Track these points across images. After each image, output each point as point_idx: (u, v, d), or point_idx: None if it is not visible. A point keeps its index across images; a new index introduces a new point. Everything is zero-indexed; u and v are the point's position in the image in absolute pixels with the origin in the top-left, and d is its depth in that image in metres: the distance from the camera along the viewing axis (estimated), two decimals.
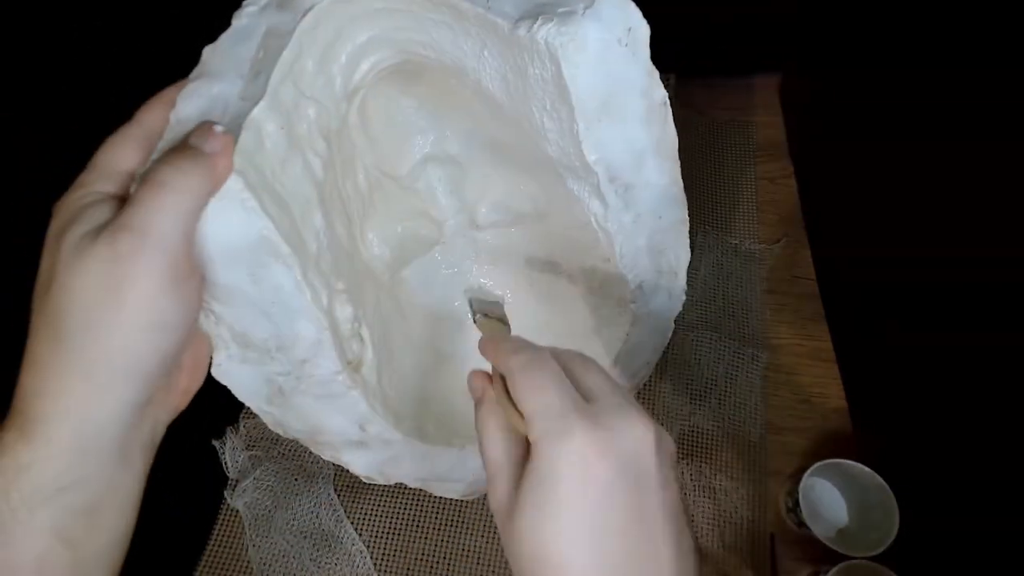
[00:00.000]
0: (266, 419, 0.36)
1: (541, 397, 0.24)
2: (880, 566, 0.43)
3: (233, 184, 0.26)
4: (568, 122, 0.33)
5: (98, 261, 0.22)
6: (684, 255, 0.40)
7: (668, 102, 0.34)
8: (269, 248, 0.29)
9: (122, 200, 0.24)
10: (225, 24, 0.32)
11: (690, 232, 0.64)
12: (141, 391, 0.24)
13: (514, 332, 0.51)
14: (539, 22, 0.30)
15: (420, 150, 0.45)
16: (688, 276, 0.61)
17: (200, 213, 0.25)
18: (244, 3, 0.33)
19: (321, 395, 0.36)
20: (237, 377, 0.33)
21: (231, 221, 0.27)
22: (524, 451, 0.25)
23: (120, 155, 0.26)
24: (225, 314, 0.30)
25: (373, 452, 0.40)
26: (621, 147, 0.34)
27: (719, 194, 0.66)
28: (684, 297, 0.42)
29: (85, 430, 0.23)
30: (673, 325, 0.44)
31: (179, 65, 0.31)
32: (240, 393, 0.34)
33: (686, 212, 0.39)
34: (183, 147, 0.25)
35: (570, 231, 0.38)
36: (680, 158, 0.66)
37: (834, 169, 0.61)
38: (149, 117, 0.28)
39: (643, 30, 0.32)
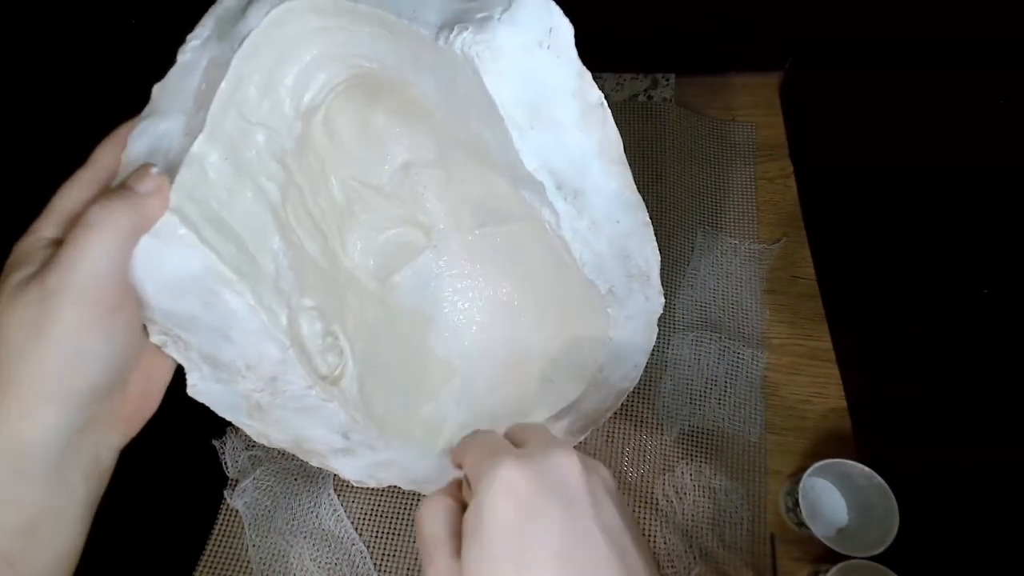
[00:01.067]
0: (249, 431, 0.37)
1: (478, 452, 0.25)
2: (880, 566, 0.43)
3: (169, 221, 0.27)
4: (503, 131, 0.31)
5: (29, 300, 0.24)
6: (653, 257, 0.39)
7: (604, 103, 0.32)
8: (216, 277, 0.30)
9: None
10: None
11: (690, 232, 0.64)
12: (70, 416, 0.26)
13: (505, 337, 0.51)
14: (455, 31, 0.29)
15: (398, 157, 0.45)
16: (688, 276, 0.62)
17: (129, 250, 0.27)
18: (187, 37, 0.33)
19: (297, 408, 0.36)
20: (213, 395, 0.34)
21: (172, 256, 0.28)
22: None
23: (70, 199, 0.28)
24: (191, 339, 0.31)
25: (360, 458, 0.40)
26: (560, 153, 0.33)
27: (719, 194, 0.66)
28: (662, 299, 0.41)
29: (15, 449, 0.24)
30: (657, 327, 0.43)
31: (140, 100, 0.31)
32: (219, 409, 0.35)
33: (646, 215, 0.37)
34: (117, 188, 0.27)
35: (547, 234, 0.37)
36: (680, 158, 0.67)
37: (834, 169, 0.61)
38: (103, 157, 0.29)
39: (565, 29, 0.30)
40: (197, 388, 0.33)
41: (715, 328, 0.58)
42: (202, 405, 0.34)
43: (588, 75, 0.31)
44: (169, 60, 0.32)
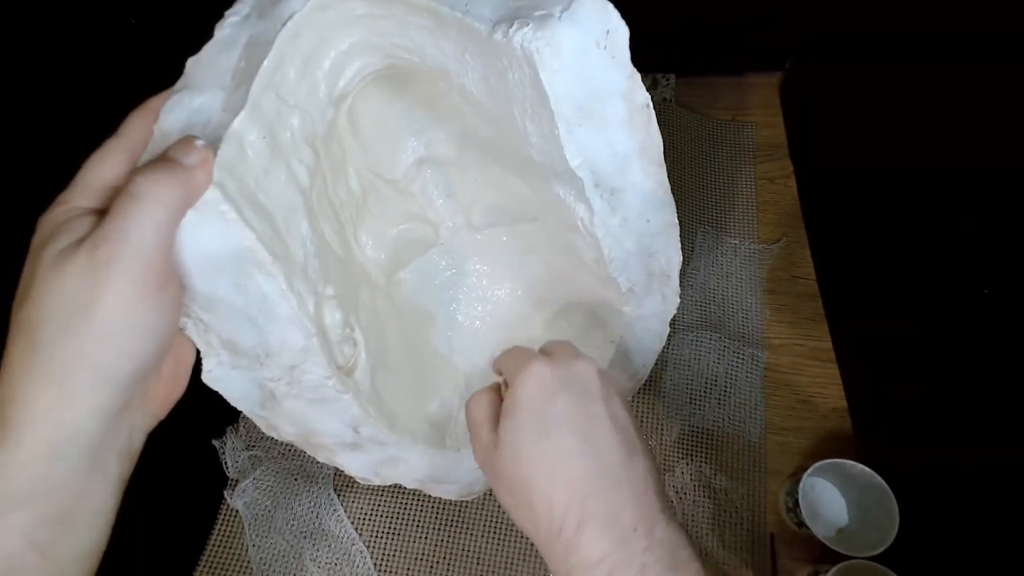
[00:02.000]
0: (259, 423, 0.36)
1: (516, 357, 0.32)
2: (880, 566, 0.43)
3: (211, 196, 0.27)
4: (549, 127, 0.32)
5: (76, 271, 0.23)
6: (676, 258, 0.40)
7: (651, 105, 0.34)
8: (251, 258, 0.29)
9: (103, 213, 0.25)
10: (210, 34, 0.32)
11: (690, 232, 0.64)
12: (114, 397, 0.24)
13: (512, 333, 0.51)
14: (515, 26, 0.29)
15: (413, 153, 0.45)
16: (688, 276, 0.62)
17: (177, 224, 0.26)
18: (226, 13, 0.33)
19: (313, 399, 0.36)
20: (228, 383, 0.33)
21: (211, 233, 0.27)
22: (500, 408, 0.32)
23: (103, 170, 0.27)
24: (213, 322, 0.30)
25: (368, 454, 0.40)
26: (604, 151, 0.34)
27: (719, 194, 0.66)
28: (678, 300, 0.42)
29: (56, 435, 0.23)
30: (669, 328, 0.43)
31: (166, 75, 0.31)
32: (232, 398, 0.34)
33: (675, 215, 0.38)
34: (162, 159, 0.26)
35: (563, 233, 0.38)
36: (680, 158, 0.67)
37: (834, 169, 0.61)
38: (133, 129, 0.28)
39: (622, 32, 0.31)
40: (213, 374, 0.32)
41: (715, 328, 0.58)
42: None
43: (638, 77, 0.32)
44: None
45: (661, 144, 0.35)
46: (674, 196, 0.38)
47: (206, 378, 0.32)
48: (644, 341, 0.43)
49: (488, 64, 0.33)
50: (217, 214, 0.27)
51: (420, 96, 0.42)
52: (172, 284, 0.26)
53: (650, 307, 0.41)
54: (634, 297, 0.40)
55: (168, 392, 0.29)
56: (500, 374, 0.34)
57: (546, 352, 0.33)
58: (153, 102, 0.29)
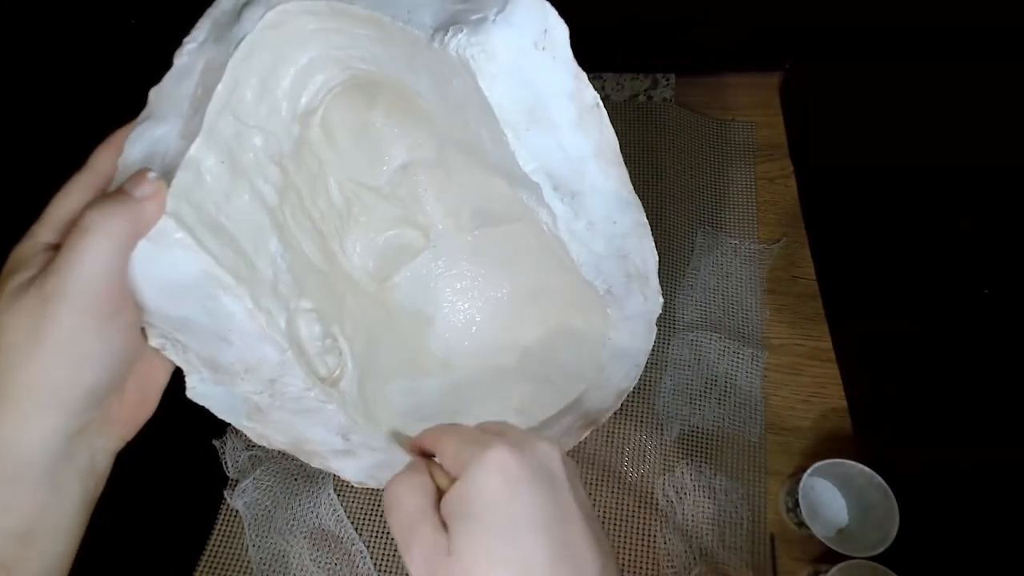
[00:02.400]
0: (249, 433, 0.37)
1: (460, 438, 0.26)
2: (880, 566, 0.43)
3: (165, 225, 0.27)
4: (499, 133, 0.31)
5: (27, 305, 0.24)
6: (651, 258, 0.39)
7: (601, 104, 0.32)
8: (214, 281, 0.30)
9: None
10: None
11: (690, 232, 0.64)
12: (67, 421, 0.26)
13: (505, 338, 0.51)
14: (450, 33, 0.29)
15: (397, 158, 0.45)
16: (688, 276, 0.62)
17: (126, 254, 0.27)
18: (184, 40, 0.33)
19: (297, 410, 0.36)
20: (213, 398, 0.34)
21: (170, 260, 0.28)
22: (438, 498, 0.26)
23: (67, 203, 0.28)
24: (190, 342, 0.31)
25: (361, 459, 0.40)
26: (557, 155, 0.33)
27: (719, 194, 0.66)
28: (661, 300, 0.41)
29: (11, 455, 0.24)
30: (656, 327, 0.43)
31: (138, 103, 0.31)
32: (218, 412, 0.35)
33: (643, 215, 0.37)
34: (114, 192, 0.27)
35: (545, 235, 0.37)
36: (680, 158, 0.67)
37: (834, 169, 0.61)
38: (99, 162, 0.29)
39: (560, 31, 0.30)
40: (197, 391, 0.33)
41: (715, 328, 0.58)
42: (201, 406, 0.34)
43: (584, 76, 0.31)
44: (167, 63, 0.32)
45: (616, 143, 0.34)
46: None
47: (190, 394, 0.33)
48: (632, 342, 0.43)
49: (434, 72, 0.32)
50: (173, 242, 0.28)
51: (393, 103, 0.41)
52: (124, 311, 0.27)
53: (632, 309, 0.41)
54: (613, 299, 0.40)
55: (132, 415, 0.30)
56: (425, 454, 0.29)
57: (494, 432, 0.27)
58: (118, 135, 0.30)
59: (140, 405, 0.30)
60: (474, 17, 0.29)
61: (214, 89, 0.30)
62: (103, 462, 0.29)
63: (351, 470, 0.41)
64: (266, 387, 0.34)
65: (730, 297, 0.60)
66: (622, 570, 0.50)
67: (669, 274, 0.60)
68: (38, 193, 0.29)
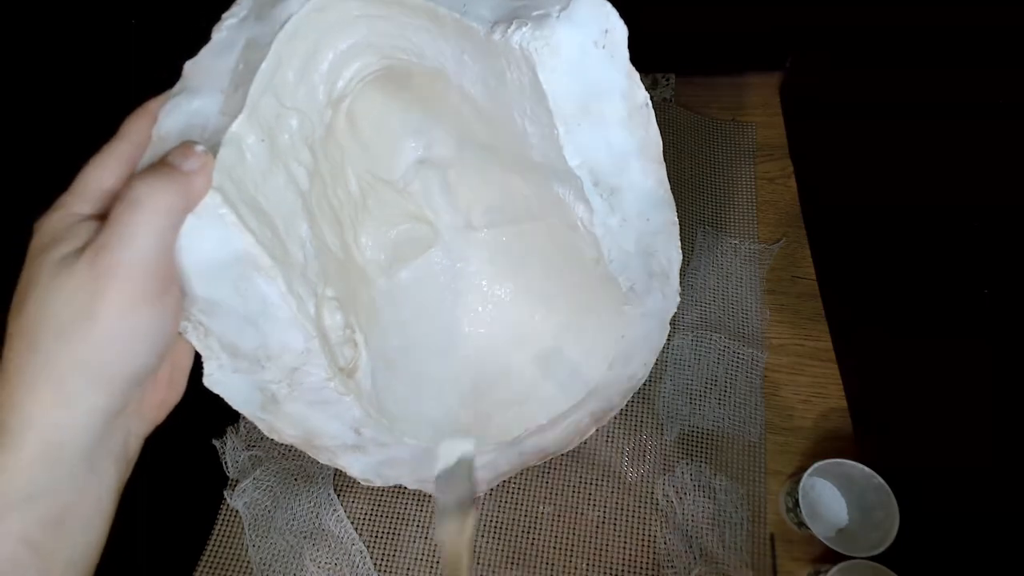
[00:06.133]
0: (261, 426, 0.36)
1: None
2: (880, 566, 0.43)
3: (211, 200, 0.27)
4: (548, 127, 0.32)
5: (77, 279, 0.23)
6: (676, 257, 0.39)
7: (650, 104, 0.34)
8: (251, 261, 0.29)
9: (102, 219, 0.25)
10: (209, 36, 0.32)
11: (690, 232, 0.64)
12: (111, 400, 0.25)
13: (513, 336, 0.51)
14: (513, 26, 0.29)
15: (413, 153, 0.45)
16: (688, 276, 0.62)
17: (177, 230, 0.26)
18: (223, 15, 0.33)
19: (314, 401, 0.36)
20: (229, 387, 0.33)
21: (210, 237, 0.27)
22: None
23: (101, 174, 0.27)
24: (213, 326, 0.30)
25: (369, 455, 0.40)
26: (603, 151, 0.33)
27: (719, 194, 0.66)
28: (678, 299, 0.42)
29: (52, 437, 0.24)
30: (669, 326, 0.43)
31: (166, 76, 0.31)
32: (233, 402, 0.34)
33: (675, 214, 0.38)
34: (160, 165, 0.26)
35: (564, 232, 0.38)
36: (680, 158, 0.67)
37: (834, 169, 0.61)
38: (131, 132, 0.28)
39: (620, 31, 0.31)
40: (214, 378, 0.32)
41: (715, 328, 0.58)
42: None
43: (637, 76, 0.32)
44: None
45: (660, 142, 0.35)
46: (674, 196, 0.37)
47: (207, 382, 0.32)
48: (644, 340, 0.43)
49: (486, 65, 0.33)
50: (216, 218, 0.27)
51: (419, 96, 0.42)
52: (172, 290, 0.26)
53: (650, 306, 0.41)
54: (634, 296, 0.40)
55: (165, 397, 0.29)
56: None
57: None
58: (151, 104, 0.29)
59: (171, 387, 0.30)
60: (536, 13, 0.30)
61: (258, 66, 0.30)
62: (134, 446, 0.28)
63: (358, 466, 0.41)
64: (286, 376, 0.34)
65: (730, 297, 0.60)
66: (622, 570, 0.50)
67: None
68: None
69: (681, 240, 0.38)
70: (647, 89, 0.34)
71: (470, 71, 0.34)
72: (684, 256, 0.61)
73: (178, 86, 0.30)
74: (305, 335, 0.33)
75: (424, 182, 0.46)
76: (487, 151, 0.42)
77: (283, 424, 0.37)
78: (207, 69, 0.31)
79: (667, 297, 0.41)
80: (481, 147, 0.42)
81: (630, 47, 0.32)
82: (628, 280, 0.39)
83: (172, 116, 0.29)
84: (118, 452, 0.27)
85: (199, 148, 0.26)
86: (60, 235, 0.25)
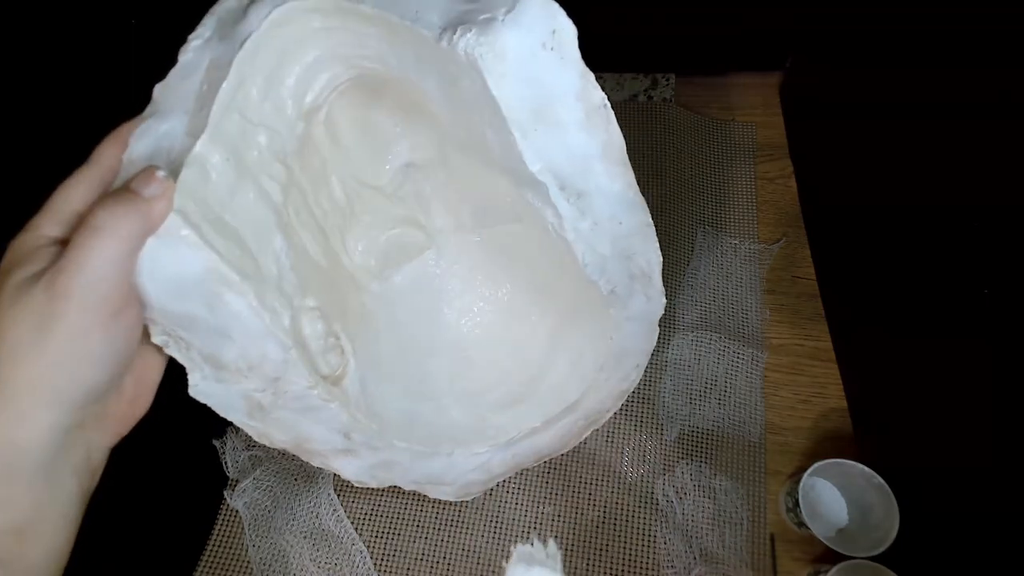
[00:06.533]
0: (250, 432, 0.37)
1: None
2: (880, 566, 0.43)
3: (172, 222, 0.27)
4: (505, 133, 0.31)
5: (33, 302, 0.24)
6: (655, 258, 0.39)
7: (608, 104, 0.32)
8: (219, 278, 0.30)
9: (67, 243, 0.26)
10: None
11: (690, 232, 0.64)
12: (63, 419, 0.26)
13: (507, 337, 0.51)
14: (459, 32, 0.29)
15: (399, 157, 0.45)
16: (688, 276, 0.62)
17: (135, 255, 0.27)
18: (189, 37, 0.33)
19: (299, 408, 0.36)
20: (214, 396, 0.34)
21: (175, 257, 0.28)
22: None
23: (71, 197, 0.28)
24: (192, 340, 0.31)
25: (361, 458, 0.40)
26: (563, 155, 0.33)
27: (719, 194, 0.66)
28: (664, 300, 0.41)
29: (7, 452, 0.24)
30: (658, 328, 0.43)
31: (140, 100, 0.31)
32: (220, 410, 0.34)
33: (648, 216, 0.37)
34: (122, 191, 0.27)
35: (547, 235, 0.37)
36: (680, 158, 0.67)
37: (834, 169, 0.61)
38: (103, 157, 0.29)
39: (568, 31, 0.30)
40: (198, 388, 0.33)
41: (715, 328, 0.58)
42: (202, 405, 0.34)
43: (591, 77, 0.31)
44: (170, 60, 0.32)
45: (623, 144, 0.34)
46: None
47: (192, 392, 0.33)
48: (634, 342, 0.43)
49: (441, 71, 0.32)
50: (179, 239, 0.28)
51: (397, 102, 0.41)
52: (128, 310, 0.27)
53: (635, 308, 0.41)
54: (617, 299, 0.40)
55: (129, 410, 0.30)
56: None
57: None
58: (123, 129, 0.30)
59: (136, 402, 0.31)
60: (482, 17, 0.29)
61: (219, 86, 0.30)
62: (98, 458, 0.29)
63: (351, 469, 0.41)
64: (269, 385, 0.34)
65: (730, 297, 0.60)
66: (622, 570, 0.50)
67: (669, 274, 0.60)
68: (37, 192, 0.29)
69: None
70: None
71: (429, 78, 0.34)
72: (684, 256, 0.61)
73: (148, 109, 0.31)
74: (282, 347, 0.33)
75: (413, 186, 0.46)
76: (468, 153, 0.42)
77: (272, 430, 0.37)
78: (174, 92, 0.31)
79: (651, 299, 0.41)
80: (462, 149, 0.42)
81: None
82: (608, 283, 0.38)
83: (142, 140, 0.29)
84: (79, 465, 0.27)
85: (160, 173, 0.27)
86: (25, 258, 0.26)
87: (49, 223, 0.27)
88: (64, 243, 0.26)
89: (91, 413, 0.27)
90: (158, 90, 0.32)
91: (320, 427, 0.38)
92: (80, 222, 0.26)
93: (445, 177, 0.46)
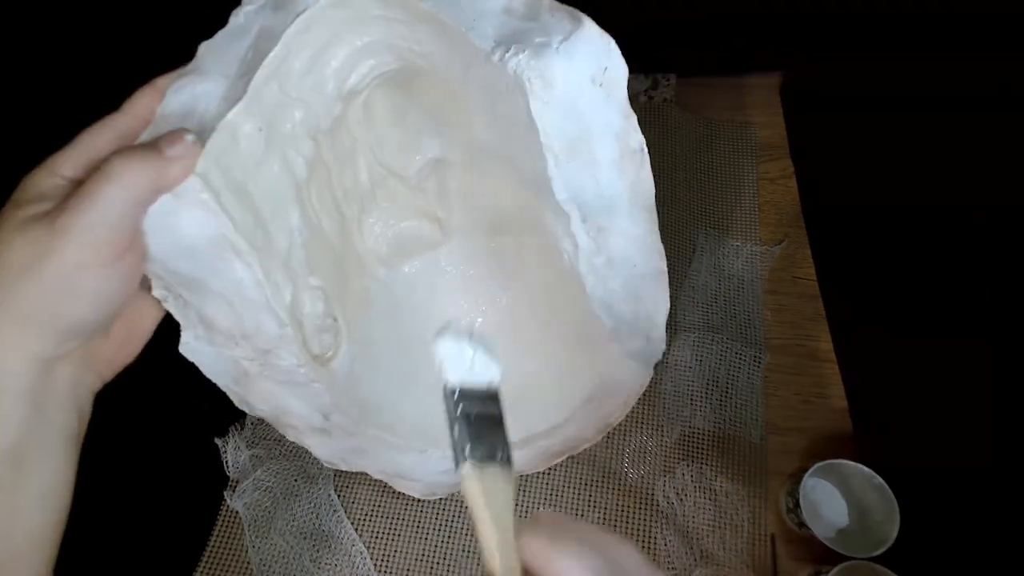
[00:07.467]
0: (232, 397, 0.37)
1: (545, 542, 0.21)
2: (880, 566, 0.43)
3: (192, 184, 0.27)
4: (540, 157, 0.31)
5: (33, 235, 0.25)
6: (663, 305, 0.38)
7: (645, 149, 0.32)
8: (229, 245, 0.30)
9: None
10: (208, 30, 0.32)
11: (691, 233, 0.64)
12: (47, 346, 0.26)
13: (504, 346, 0.51)
14: (511, 51, 0.29)
15: (430, 151, 0.45)
16: (689, 277, 0.62)
17: (143, 206, 0.27)
18: (244, 0, 0.33)
19: (284, 382, 0.36)
20: (204, 356, 0.34)
21: (190, 218, 0.28)
22: None
23: (95, 142, 0.28)
24: (191, 299, 0.31)
25: (336, 440, 0.40)
26: (592, 190, 0.33)
27: (719, 194, 0.66)
28: (664, 346, 0.41)
29: None
30: (653, 371, 0.43)
31: (182, 57, 0.31)
32: (207, 371, 0.35)
33: (664, 263, 0.37)
34: (146, 145, 0.27)
35: (560, 260, 0.37)
36: (680, 159, 0.67)
37: (834, 169, 0.61)
38: (135, 107, 0.29)
39: (620, 70, 0.30)
40: (189, 346, 0.33)
41: (716, 329, 0.58)
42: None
43: (634, 119, 0.31)
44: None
45: (652, 190, 0.34)
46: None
47: (183, 349, 0.33)
48: (628, 380, 0.43)
49: (487, 83, 0.32)
50: (197, 202, 0.28)
51: (436, 99, 0.41)
52: (128, 258, 0.27)
53: (634, 348, 0.41)
54: (618, 337, 0.40)
55: (115, 355, 0.31)
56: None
57: (572, 533, 0.21)
58: (160, 81, 0.30)
59: (123, 347, 0.31)
60: (538, 40, 0.29)
61: (264, 56, 0.30)
62: (84, 398, 0.29)
63: (324, 449, 0.41)
64: (258, 356, 0.34)
65: (731, 298, 0.60)
66: None
67: (670, 275, 0.60)
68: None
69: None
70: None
71: (473, 85, 0.34)
72: (685, 257, 0.61)
73: (190, 66, 0.31)
74: (278, 322, 0.33)
75: (440, 181, 0.46)
76: (498, 163, 0.42)
77: (254, 399, 0.37)
78: (219, 53, 0.31)
79: (652, 342, 0.41)
80: (493, 158, 0.42)
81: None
82: (612, 319, 0.38)
83: (177, 96, 0.29)
84: (65, 400, 0.28)
85: (189, 137, 0.27)
86: (37, 195, 0.26)
87: (68, 163, 0.27)
88: (79, 184, 0.26)
89: (78, 350, 0.28)
90: (203, 48, 0.31)
91: (301, 403, 0.38)
92: (96, 166, 0.26)
93: (472, 179, 0.46)
